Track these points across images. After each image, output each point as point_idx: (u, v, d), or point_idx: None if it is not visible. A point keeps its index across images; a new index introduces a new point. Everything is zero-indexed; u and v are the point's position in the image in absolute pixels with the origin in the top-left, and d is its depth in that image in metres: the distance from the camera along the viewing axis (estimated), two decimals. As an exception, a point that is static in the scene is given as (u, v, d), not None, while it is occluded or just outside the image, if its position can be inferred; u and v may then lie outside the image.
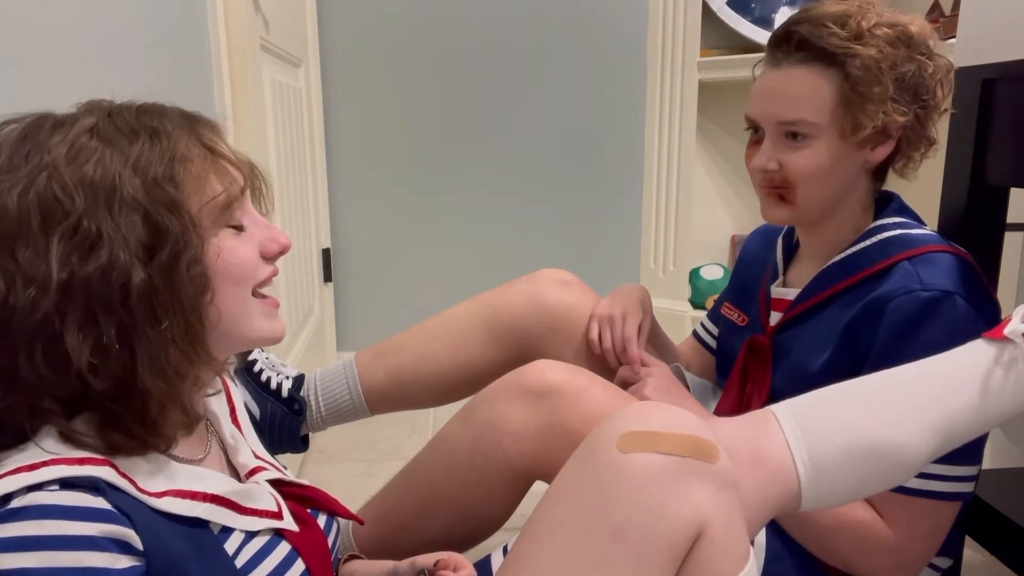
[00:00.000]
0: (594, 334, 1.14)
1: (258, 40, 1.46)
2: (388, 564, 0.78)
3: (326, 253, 2.25)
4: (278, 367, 1.21)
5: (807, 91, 0.93)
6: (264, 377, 1.18)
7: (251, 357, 1.19)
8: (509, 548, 0.87)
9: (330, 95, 2.24)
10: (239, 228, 0.64)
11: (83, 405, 0.58)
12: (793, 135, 0.95)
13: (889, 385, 0.73)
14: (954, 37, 1.05)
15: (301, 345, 1.81)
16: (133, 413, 0.57)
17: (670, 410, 0.65)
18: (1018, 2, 0.93)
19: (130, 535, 0.54)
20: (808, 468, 0.69)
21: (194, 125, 0.63)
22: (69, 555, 0.51)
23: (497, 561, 0.81)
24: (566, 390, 0.95)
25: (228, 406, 0.76)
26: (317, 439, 1.77)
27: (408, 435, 1.93)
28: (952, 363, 0.73)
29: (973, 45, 1.01)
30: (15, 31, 0.76)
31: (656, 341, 1.21)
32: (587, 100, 2.30)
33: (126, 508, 0.54)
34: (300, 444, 1.21)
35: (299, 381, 1.21)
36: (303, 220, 1.92)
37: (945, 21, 1.61)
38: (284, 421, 1.18)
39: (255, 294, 0.65)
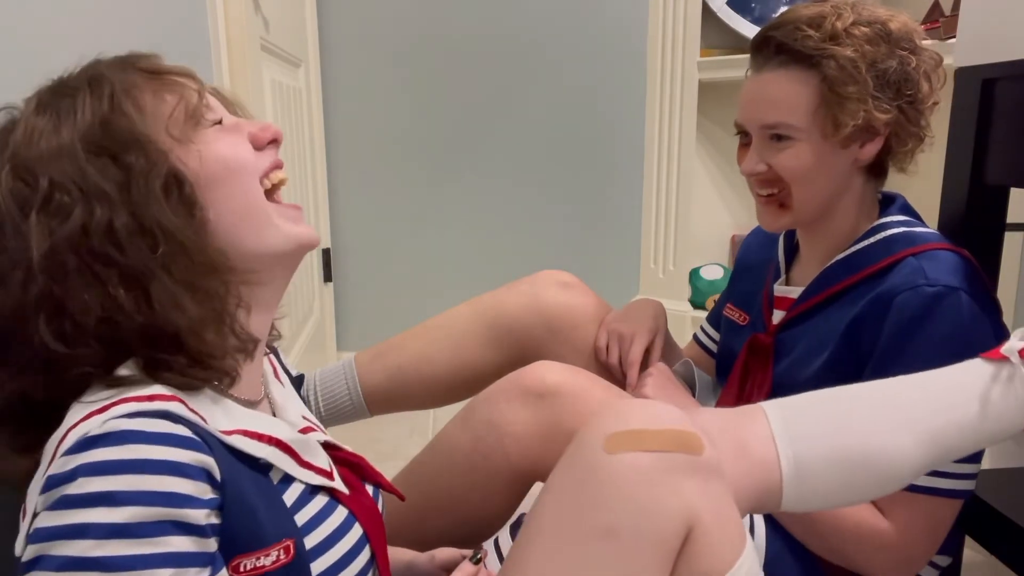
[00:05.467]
0: (601, 343, 1.16)
1: (258, 40, 1.46)
2: (407, 553, 0.77)
3: (326, 253, 2.25)
4: (278, 367, 1.21)
5: (785, 95, 0.94)
6: (264, 378, 1.18)
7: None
8: (499, 541, 0.88)
9: (330, 95, 2.24)
10: (217, 126, 0.63)
11: (120, 357, 0.56)
12: (777, 137, 0.96)
13: (883, 393, 0.73)
14: (954, 37, 1.05)
15: (301, 345, 1.81)
16: (172, 352, 0.56)
17: (650, 405, 0.64)
18: (1018, 2, 0.93)
19: (212, 464, 0.52)
20: (792, 465, 0.68)
21: (128, 59, 0.63)
22: (156, 479, 0.49)
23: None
24: (566, 391, 0.95)
25: (271, 367, 0.76)
26: (317, 439, 1.76)
27: (408, 435, 1.93)
28: (949, 378, 0.73)
29: (973, 45, 1.01)
30: (15, 31, 0.76)
31: (665, 347, 1.21)
32: (587, 100, 2.30)
33: (205, 439, 0.53)
34: (300, 444, 1.21)
35: (299, 381, 1.21)
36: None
37: (945, 21, 1.61)
38: (284, 422, 1.18)
39: (269, 198, 0.64)
